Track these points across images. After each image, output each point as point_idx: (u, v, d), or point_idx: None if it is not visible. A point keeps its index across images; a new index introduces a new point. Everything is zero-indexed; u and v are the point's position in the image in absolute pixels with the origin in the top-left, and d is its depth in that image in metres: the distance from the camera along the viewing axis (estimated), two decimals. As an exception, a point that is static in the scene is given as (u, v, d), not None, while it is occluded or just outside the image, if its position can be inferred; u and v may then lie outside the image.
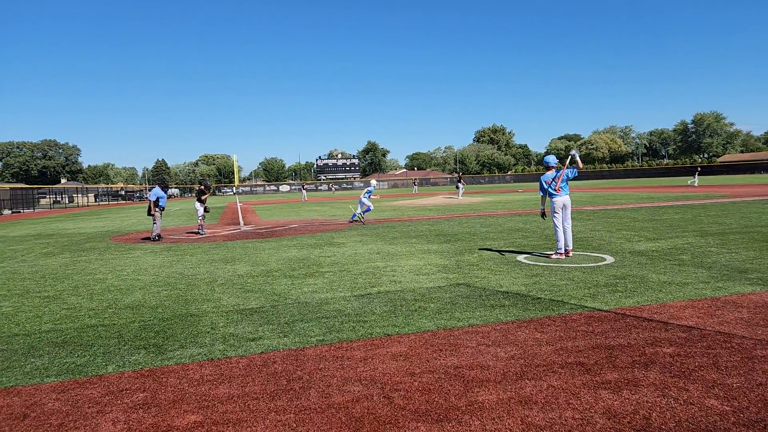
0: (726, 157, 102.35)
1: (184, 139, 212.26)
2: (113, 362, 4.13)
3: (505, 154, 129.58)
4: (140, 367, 4.00)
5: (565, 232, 8.30)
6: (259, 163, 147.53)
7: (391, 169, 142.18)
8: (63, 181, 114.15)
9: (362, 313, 5.34)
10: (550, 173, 8.46)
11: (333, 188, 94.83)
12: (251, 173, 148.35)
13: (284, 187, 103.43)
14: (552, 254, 8.44)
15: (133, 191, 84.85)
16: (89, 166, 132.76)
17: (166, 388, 3.57)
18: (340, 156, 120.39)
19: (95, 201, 68.26)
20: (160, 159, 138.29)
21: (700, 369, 3.50)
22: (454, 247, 9.98)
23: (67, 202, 64.04)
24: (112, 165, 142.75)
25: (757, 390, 3.14)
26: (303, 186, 57.06)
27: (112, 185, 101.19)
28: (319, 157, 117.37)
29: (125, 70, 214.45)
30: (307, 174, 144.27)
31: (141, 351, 4.38)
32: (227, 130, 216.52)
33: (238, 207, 34.36)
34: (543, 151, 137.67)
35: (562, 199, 8.29)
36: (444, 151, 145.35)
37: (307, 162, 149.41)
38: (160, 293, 6.76)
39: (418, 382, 3.48)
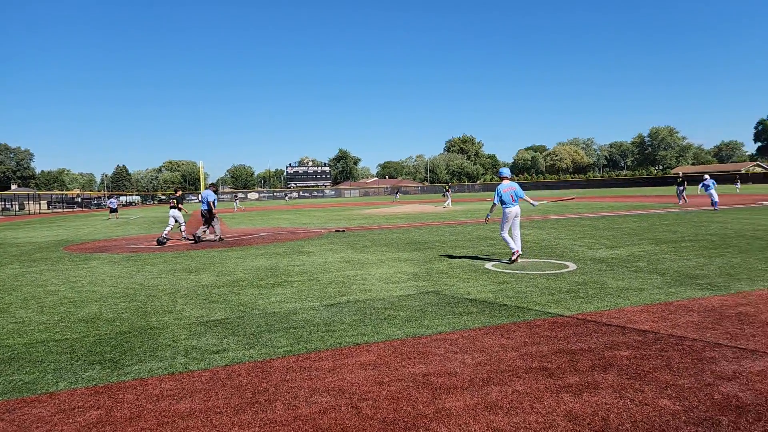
0: (678, 169, 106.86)
1: (147, 145, 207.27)
2: (65, 379, 3.96)
3: (475, 164, 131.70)
4: (94, 383, 3.86)
5: (515, 238, 9.00)
6: (227, 170, 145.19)
7: (362, 177, 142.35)
8: (13, 187, 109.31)
9: (331, 322, 5.34)
10: (506, 182, 9.14)
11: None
12: (218, 180, 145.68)
13: (252, 195, 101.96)
14: (513, 258, 8.84)
15: (90, 198, 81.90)
16: (42, 171, 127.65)
17: (123, 404, 3.45)
18: (310, 163, 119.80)
19: (48, 208, 65.46)
20: (121, 165, 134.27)
21: (654, 371, 3.67)
22: (424, 255, 10.09)
23: (17, 209, 61.30)
24: (68, 171, 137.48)
25: (706, 390, 3.31)
26: (235, 196, 50.43)
27: (67, 192, 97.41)
28: (290, 164, 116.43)
29: (85, 73, 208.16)
30: (276, 182, 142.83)
31: (96, 366, 4.24)
32: (193, 136, 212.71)
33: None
34: (511, 161, 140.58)
35: (515, 209, 8.98)
36: (415, 160, 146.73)
37: (276, 169, 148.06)
38: (118, 305, 6.58)
39: (387, 391, 3.52)
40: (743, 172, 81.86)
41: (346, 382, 3.70)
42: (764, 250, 9.21)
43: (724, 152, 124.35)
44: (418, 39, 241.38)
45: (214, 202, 14.92)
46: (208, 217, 14.92)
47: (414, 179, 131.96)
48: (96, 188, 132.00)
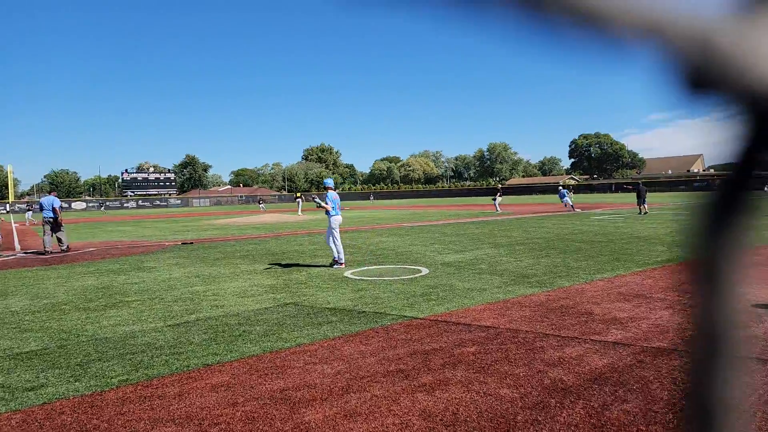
0: (512, 181, 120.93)
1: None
2: None
3: (333, 173, 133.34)
4: None
5: (338, 246, 9.48)
6: (45, 176, 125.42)
7: (214, 186, 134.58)
8: None
9: (177, 344, 4.87)
10: (333, 192, 9.65)
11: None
12: (33, 187, 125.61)
13: (79, 204, 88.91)
14: (335, 265, 9.35)
15: None
16: None
17: None
18: (152, 170, 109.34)
19: None
20: None
21: (495, 363, 4.01)
22: (281, 266, 9.82)
23: None
24: None
25: (537, 376, 3.71)
26: (30, 206, 39.47)
27: None
28: (126, 170, 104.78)
29: None
30: (109, 189, 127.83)
31: None
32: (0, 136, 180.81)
33: (13, 228, 28.69)
34: (368, 171, 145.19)
35: (339, 218, 9.60)
36: (272, 168, 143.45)
37: (110, 175, 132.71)
38: None
39: (241, 412, 3.30)
40: (561, 183, 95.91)
41: (194, 408, 3.38)
42: (578, 251, 10.79)
43: (547, 166, 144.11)
44: (271, 42, 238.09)
45: (60, 208, 14.32)
46: (54, 225, 14.07)
47: (271, 188, 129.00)
48: None
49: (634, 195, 23.58)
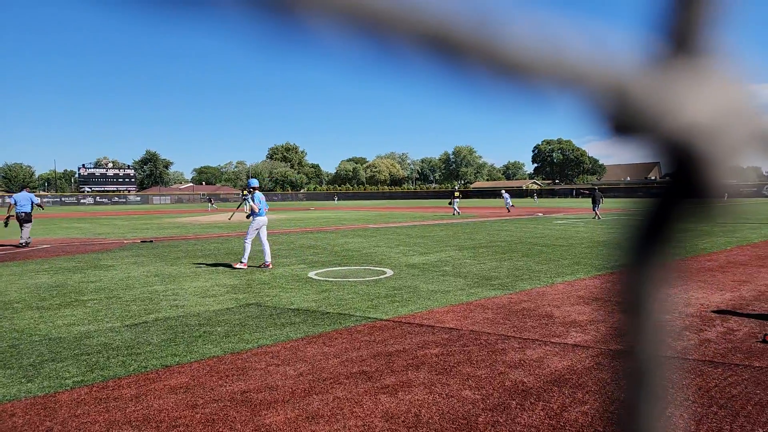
0: (477, 184, 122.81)
1: None
2: None
3: (298, 173, 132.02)
4: None
5: (264, 246, 9.46)
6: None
7: (175, 183, 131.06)
8: None
9: (135, 344, 4.74)
10: (259, 192, 9.70)
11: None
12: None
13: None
14: (237, 264, 9.39)
15: None
16: None
17: None
18: (110, 165, 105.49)
19: None
20: None
21: (458, 365, 4.08)
22: (244, 266, 9.66)
23: None
24: None
25: (498, 378, 3.80)
26: None
27: None
28: (83, 165, 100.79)
29: None
30: (65, 185, 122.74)
31: None
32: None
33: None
34: (333, 171, 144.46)
35: (264, 219, 9.56)
36: (236, 166, 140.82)
37: (66, 170, 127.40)
38: None
39: (201, 414, 3.24)
40: (524, 188, 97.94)
41: (152, 410, 3.30)
42: (540, 254, 11.07)
43: (511, 170, 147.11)
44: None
45: (38, 205, 14.90)
46: (26, 219, 14.38)
47: (234, 186, 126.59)
48: None
49: (597, 200, 24.34)
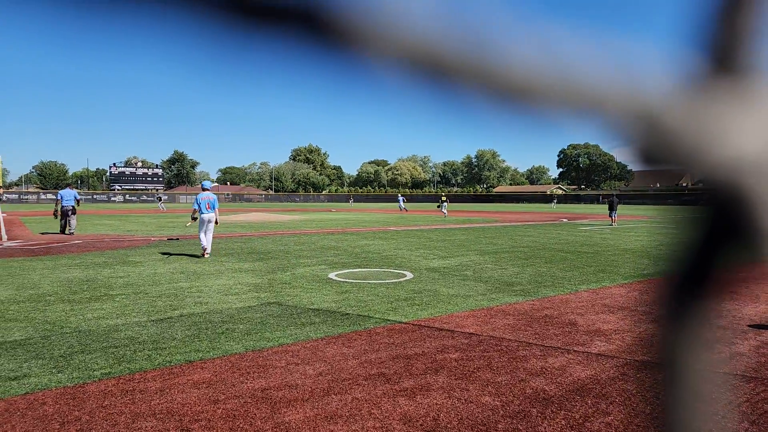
0: (499, 188, 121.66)
1: None
2: None
3: (320, 174, 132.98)
4: None
5: (208, 240, 11.02)
6: (33, 167, 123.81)
7: (200, 182, 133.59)
8: None
9: (160, 339, 4.85)
10: (206, 193, 11.33)
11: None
12: (21, 178, 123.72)
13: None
14: (203, 254, 10.90)
15: None
16: None
17: None
18: (140, 164, 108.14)
19: None
20: None
21: (478, 370, 4.05)
22: (266, 266, 9.78)
23: None
24: None
25: (519, 385, 3.76)
26: None
27: None
28: (114, 164, 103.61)
29: None
30: (97, 183, 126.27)
31: None
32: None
33: (0, 218, 28.13)
34: (355, 173, 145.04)
35: (209, 216, 11.16)
36: (259, 167, 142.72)
37: (98, 169, 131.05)
38: None
39: (222, 410, 3.29)
40: (548, 193, 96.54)
41: (176, 404, 3.37)
42: (563, 261, 10.91)
43: (535, 175, 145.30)
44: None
45: (78, 200, 17.30)
46: (72, 212, 16.70)
47: (258, 187, 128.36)
48: None
49: (615, 206, 23.97)
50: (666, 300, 0.36)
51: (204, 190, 11.47)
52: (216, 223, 11.37)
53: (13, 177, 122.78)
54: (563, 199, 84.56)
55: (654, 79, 0.27)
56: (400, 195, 47.13)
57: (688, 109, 0.27)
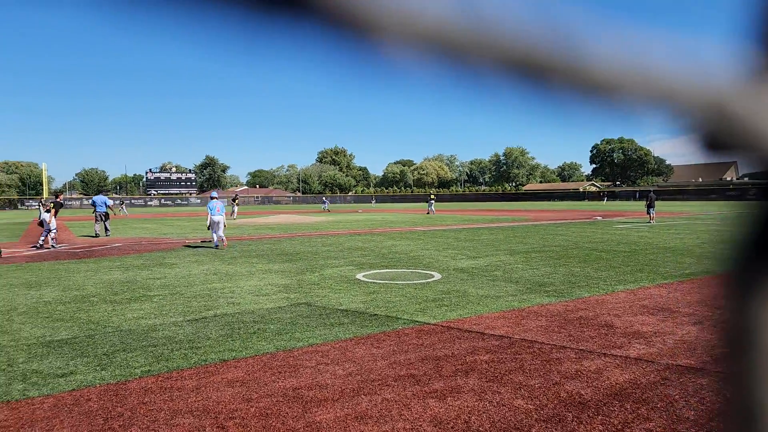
0: (529, 186, 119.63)
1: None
2: None
3: (347, 176, 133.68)
4: None
5: (219, 233, 13.58)
6: (76, 174, 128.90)
7: (231, 186, 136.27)
8: None
9: (195, 338, 4.98)
10: (215, 200, 14.10)
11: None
12: (65, 185, 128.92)
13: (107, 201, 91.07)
14: (218, 246, 13.48)
15: None
16: None
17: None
18: (174, 170, 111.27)
19: None
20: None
21: (509, 373, 4.00)
22: (295, 267, 9.92)
23: None
24: None
25: (553, 389, 3.70)
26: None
27: None
28: (150, 169, 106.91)
29: None
30: (134, 188, 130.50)
31: None
32: (34, 135, 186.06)
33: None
34: (381, 173, 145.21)
35: (218, 218, 13.70)
36: (287, 170, 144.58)
37: (135, 174, 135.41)
38: (-72, 328, 5.45)
39: (255, 408, 3.36)
40: (581, 190, 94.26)
41: (211, 401, 3.46)
42: (598, 260, 10.66)
43: (566, 172, 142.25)
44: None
45: (109, 205, 18.64)
46: (105, 217, 18.20)
47: (286, 189, 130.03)
48: None
49: (652, 203, 23.31)
50: (730, 299, 0.35)
51: (212, 198, 14.57)
52: (225, 226, 14.18)
53: (57, 184, 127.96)
54: (612, 196, 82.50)
55: (719, 71, 0.30)
56: (432, 195, 37.67)
57: (752, 98, 0.30)
